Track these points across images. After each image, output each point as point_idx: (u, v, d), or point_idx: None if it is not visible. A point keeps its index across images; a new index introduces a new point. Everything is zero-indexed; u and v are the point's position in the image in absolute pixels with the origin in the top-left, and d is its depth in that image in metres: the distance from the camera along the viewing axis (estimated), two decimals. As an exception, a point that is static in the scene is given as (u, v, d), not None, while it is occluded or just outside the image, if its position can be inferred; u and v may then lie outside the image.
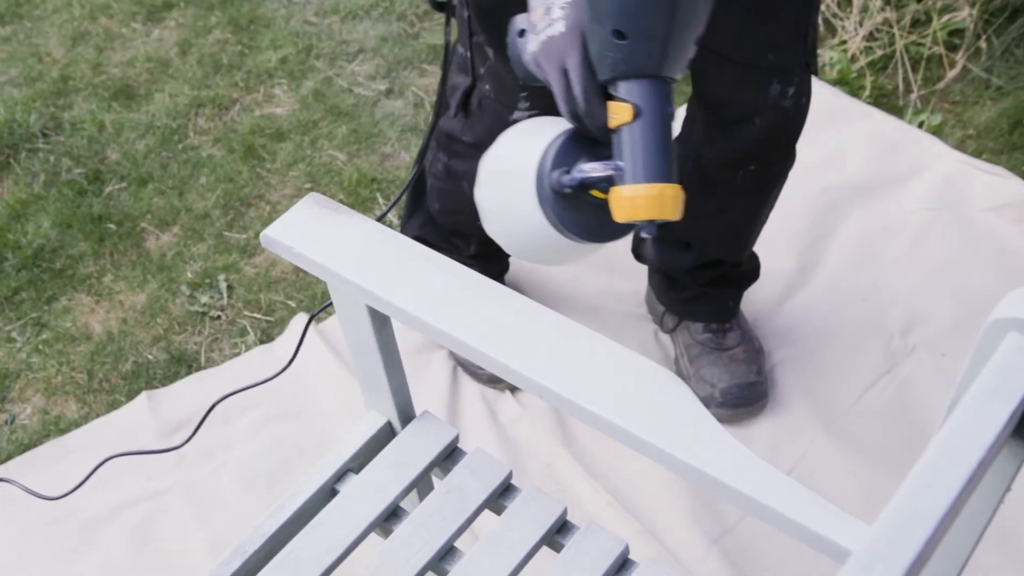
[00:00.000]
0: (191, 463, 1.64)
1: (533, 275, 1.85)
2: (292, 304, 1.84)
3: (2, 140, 2.15)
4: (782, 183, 1.48)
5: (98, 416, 1.70)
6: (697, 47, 0.86)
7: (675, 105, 0.88)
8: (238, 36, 2.38)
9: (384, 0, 2.43)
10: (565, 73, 0.88)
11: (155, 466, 1.64)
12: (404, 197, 1.74)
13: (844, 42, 2.22)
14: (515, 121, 1.38)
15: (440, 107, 1.43)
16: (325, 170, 2.07)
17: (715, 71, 1.31)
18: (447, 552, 1.02)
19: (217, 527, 1.56)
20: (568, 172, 0.88)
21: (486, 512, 1.07)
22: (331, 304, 1.03)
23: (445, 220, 1.61)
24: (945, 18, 2.20)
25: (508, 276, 1.80)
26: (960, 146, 2.03)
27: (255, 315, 1.84)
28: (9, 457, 1.66)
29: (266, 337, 1.81)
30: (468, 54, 1.34)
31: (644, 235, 0.86)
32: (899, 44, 2.18)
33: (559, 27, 0.87)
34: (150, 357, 1.79)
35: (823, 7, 2.27)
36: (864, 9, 2.24)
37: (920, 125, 2.08)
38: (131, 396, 1.73)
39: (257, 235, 1.92)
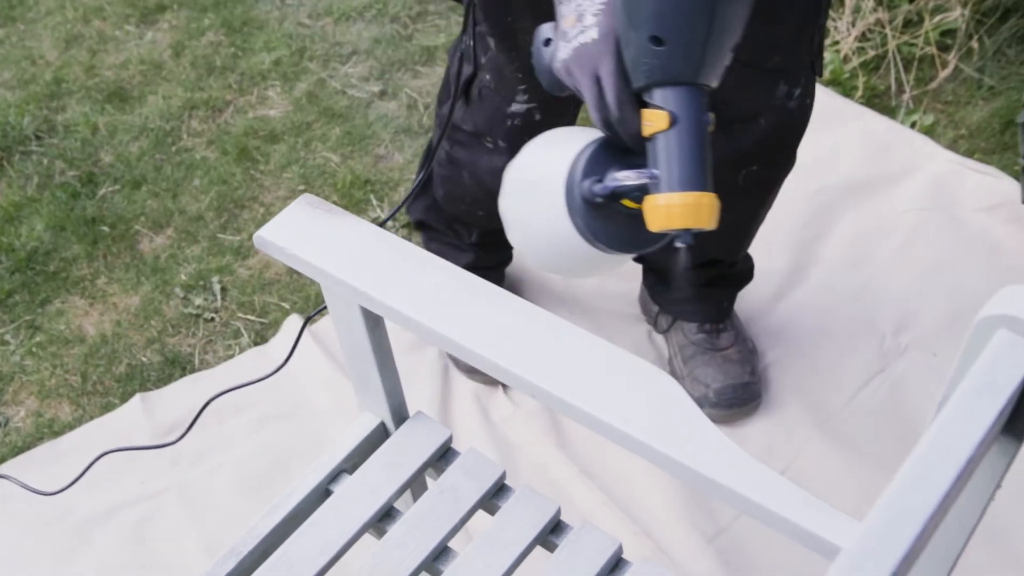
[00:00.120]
0: (186, 464, 1.64)
1: (528, 275, 1.85)
2: (286, 306, 1.84)
3: (-5, 143, 2.15)
4: (781, 184, 1.48)
5: (92, 418, 1.70)
6: (733, 54, 0.84)
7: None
8: (231, 38, 2.38)
9: (377, 2, 2.44)
10: (598, 80, 0.87)
11: (150, 467, 1.64)
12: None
13: (837, 43, 2.23)
14: (513, 113, 1.40)
15: (456, 94, 1.44)
16: (319, 172, 2.07)
17: None
18: (441, 552, 1.02)
19: (212, 528, 1.56)
20: (600, 181, 0.86)
21: (480, 512, 1.07)
22: (326, 307, 1.03)
23: (448, 207, 1.61)
24: (937, 18, 2.20)
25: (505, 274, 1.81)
26: (952, 146, 2.04)
27: (249, 317, 1.84)
28: (3, 460, 1.65)
29: (260, 339, 1.81)
30: (471, 43, 1.35)
31: (679, 244, 0.85)
32: (891, 44, 2.18)
33: (592, 34, 0.86)
34: (144, 359, 1.79)
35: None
36: (856, 10, 2.25)
37: (912, 125, 2.08)
38: (125, 398, 1.73)
39: (251, 237, 1.92)
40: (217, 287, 1.87)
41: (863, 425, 1.63)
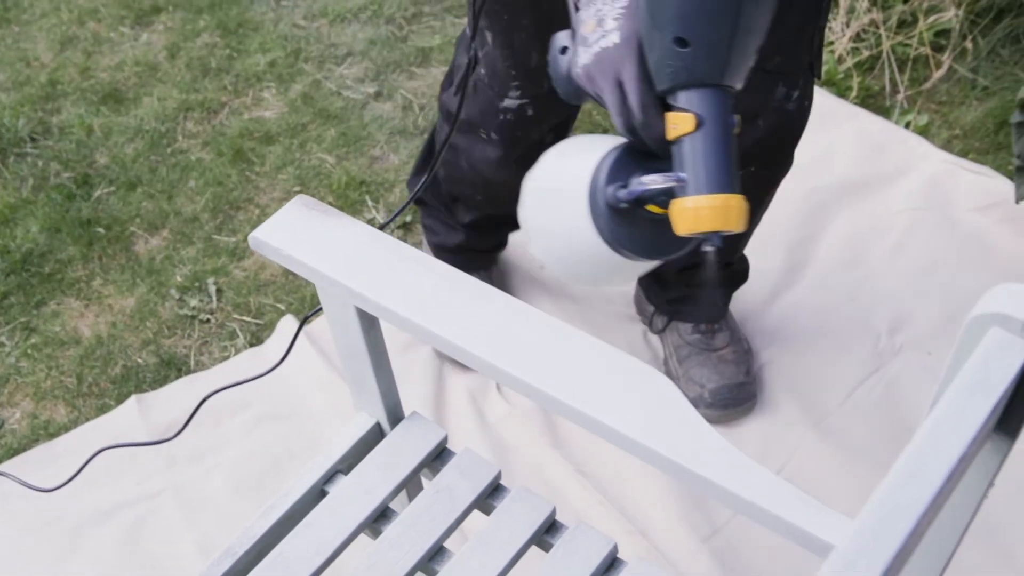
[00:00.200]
0: (181, 465, 1.64)
1: (522, 275, 1.85)
2: (281, 307, 1.84)
3: (-10, 145, 2.15)
4: (778, 186, 1.49)
5: (87, 420, 1.70)
6: (757, 56, 0.84)
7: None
8: (226, 40, 2.38)
9: (372, 3, 2.44)
10: (620, 85, 0.86)
11: (146, 468, 1.64)
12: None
13: (831, 43, 2.23)
14: (506, 108, 1.41)
15: (457, 84, 1.46)
16: (314, 173, 2.07)
17: None
18: (436, 552, 1.02)
19: (207, 529, 1.56)
20: (624, 186, 0.85)
21: (475, 512, 1.07)
22: (321, 308, 1.03)
23: (448, 187, 1.64)
24: (931, 19, 2.21)
25: (495, 275, 1.81)
26: (946, 146, 2.05)
27: (244, 318, 1.84)
28: (-1, 461, 1.66)
29: (255, 340, 1.81)
30: (471, 35, 1.37)
31: (707, 248, 0.84)
32: (886, 45, 2.19)
33: (613, 38, 0.85)
34: (139, 361, 1.78)
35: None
36: (851, 10, 2.25)
37: (907, 125, 2.09)
38: (120, 400, 1.73)
39: (246, 238, 1.92)
40: (213, 288, 1.87)
41: (858, 425, 1.64)
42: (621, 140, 0.89)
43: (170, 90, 2.26)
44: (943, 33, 2.22)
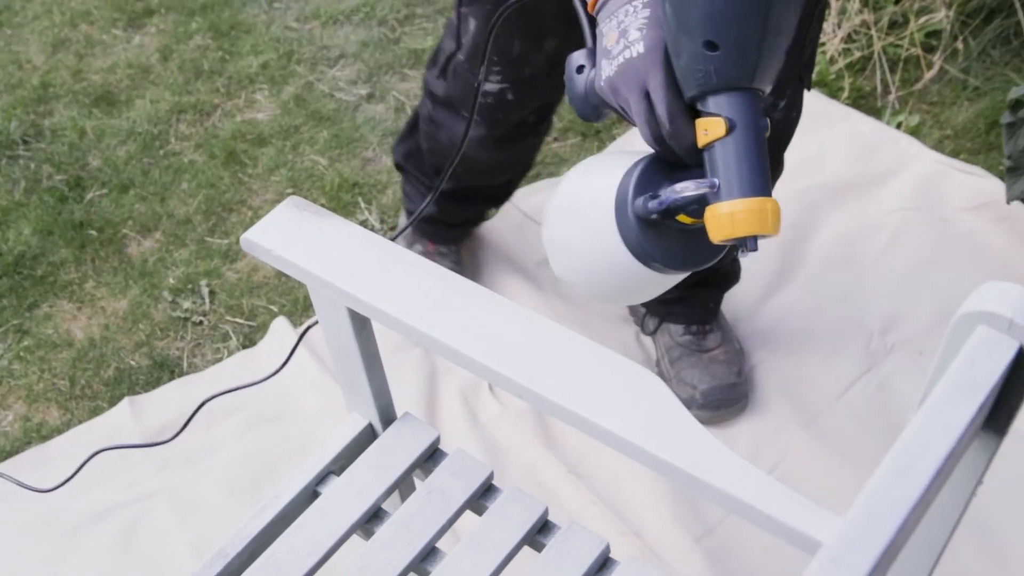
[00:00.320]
0: (174, 467, 1.64)
1: (514, 277, 1.85)
2: (274, 309, 1.84)
3: (-18, 147, 2.15)
4: None
5: (80, 422, 1.70)
6: (786, 58, 0.82)
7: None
8: (219, 42, 2.38)
9: (365, 5, 2.44)
10: (647, 95, 0.84)
11: (139, 470, 1.64)
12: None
13: (823, 44, 2.24)
14: (486, 92, 1.44)
15: (439, 64, 1.52)
16: (307, 175, 2.07)
17: None
18: (429, 553, 1.03)
19: (201, 530, 1.56)
20: (655, 197, 0.84)
21: (468, 513, 1.07)
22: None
23: (431, 159, 1.68)
24: (922, 20, 2.22)
25: (484, 278, 1.82)
26: (938, 146, 2.05)
27: (237, 320, 1.84)
28: (-9, 464, 1.65)
29: (248, 342, 1.81)
30: (456, 21, 1.41)
31: (742, 254, 0.83)
32: (877, 46, 2.20)
33: (638, 48, 0.84)
34: (132, 363, 1.78)
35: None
36: (842, 11, 2.26)
37: (898, 126, 2.10)
38: (113, 402, 1.73)
39: (239, 240, 1.91)
40: (205, 290, 1.87)
41: (850, 425, 1.64)
42: (642, 156, 0.87)
43: (162, 92, 2.26)
44: (934, 34, 2.23)
